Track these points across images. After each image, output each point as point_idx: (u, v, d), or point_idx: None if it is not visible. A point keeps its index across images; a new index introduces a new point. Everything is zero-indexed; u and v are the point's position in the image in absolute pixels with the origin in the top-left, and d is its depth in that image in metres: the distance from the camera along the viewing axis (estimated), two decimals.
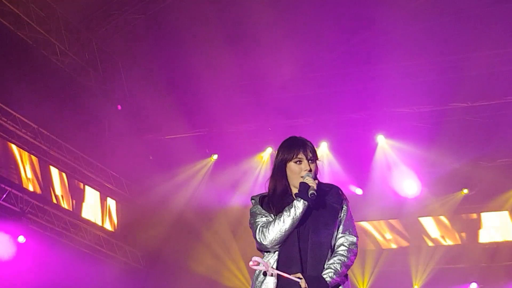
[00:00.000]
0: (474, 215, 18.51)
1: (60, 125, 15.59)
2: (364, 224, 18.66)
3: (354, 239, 5.24)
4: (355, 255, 5.23)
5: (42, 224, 15.14)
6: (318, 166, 5.30)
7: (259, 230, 5.15)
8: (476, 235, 18.55)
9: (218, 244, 18.79)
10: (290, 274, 5.02)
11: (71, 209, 16.44)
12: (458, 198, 18.21)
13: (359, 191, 18.11)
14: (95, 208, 17.40)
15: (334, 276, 5.07)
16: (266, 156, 17.82)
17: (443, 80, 15.98)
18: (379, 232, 18.74)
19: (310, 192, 5.10)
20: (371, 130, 17.18)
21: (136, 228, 17.61)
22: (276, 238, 5.11)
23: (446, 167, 17.17)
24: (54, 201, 15.89)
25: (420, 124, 16.68)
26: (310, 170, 5.22)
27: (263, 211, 5.26)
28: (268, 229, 5.13)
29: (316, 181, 5.20)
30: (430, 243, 18.60)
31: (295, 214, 5.09)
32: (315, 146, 5.38)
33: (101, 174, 17.28)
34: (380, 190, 17.67)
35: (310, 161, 5.24)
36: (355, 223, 5.38)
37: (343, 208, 5.29)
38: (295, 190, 5.21)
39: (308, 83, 16.71)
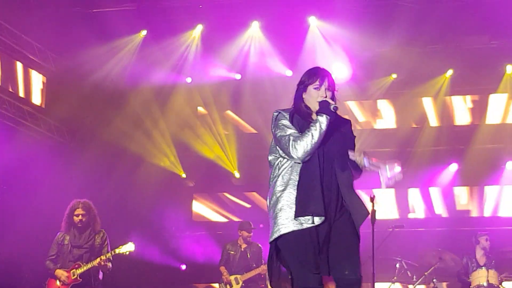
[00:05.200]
0: (402, 100, 18.74)
1: None
2: None
3: None
4: None
5: None
6: (336, 98, 6.18)
7: (292, 144, 5.91)
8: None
9: (146, 120, 18.67)
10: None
11: None
12: (388, 82, 18.33)
13: (289, 73, 18.02)
14: (19, 81, 17.01)
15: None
16: (196, 34, 17.49)
17: None
18: None
19: (332, 106, 6.01)
20: (303, 11, 16.89)
21: (62, 103, 17.30)
22: (307, 150, 5.88)
23: (375, 50, 17.15)
24: None
25: (353, 6, 16.44)
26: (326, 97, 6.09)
27: (291, 125, 6.06)
28: (299, 143, 5.88)
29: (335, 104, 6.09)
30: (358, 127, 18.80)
31: (321, 128, 5.89)
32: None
33: (26, 46, 16.78)
34: None
35: (327, 90, 6.12)
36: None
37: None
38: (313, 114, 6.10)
39: None
